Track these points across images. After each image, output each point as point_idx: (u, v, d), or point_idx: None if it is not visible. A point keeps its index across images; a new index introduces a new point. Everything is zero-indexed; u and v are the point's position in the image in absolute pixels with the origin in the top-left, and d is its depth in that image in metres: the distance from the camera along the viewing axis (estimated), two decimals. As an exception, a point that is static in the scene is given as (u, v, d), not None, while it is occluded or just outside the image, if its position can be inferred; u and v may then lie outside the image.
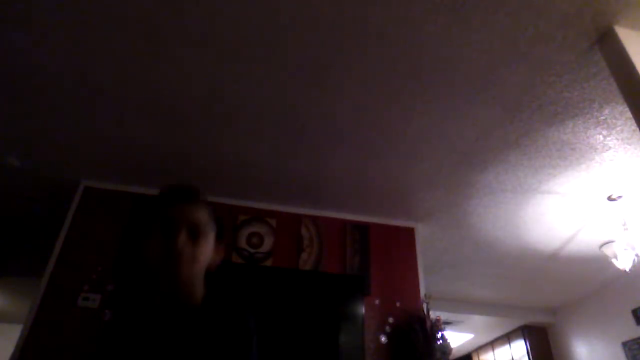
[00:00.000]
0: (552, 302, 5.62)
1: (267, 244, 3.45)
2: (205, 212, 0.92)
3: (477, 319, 6.08)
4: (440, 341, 3.08)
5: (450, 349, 3.12)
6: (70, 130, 2.89)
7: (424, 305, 3.33)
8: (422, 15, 1.97)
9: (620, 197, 3.25)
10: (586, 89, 2.34)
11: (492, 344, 6.83)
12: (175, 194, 0.92)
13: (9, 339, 3.32)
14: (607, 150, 2.79)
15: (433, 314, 3.26)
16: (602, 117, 2.53)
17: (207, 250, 0.89)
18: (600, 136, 2.67)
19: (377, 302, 3.38)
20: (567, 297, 5.38)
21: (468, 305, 5.68)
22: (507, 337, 6.35)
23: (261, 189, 3.47)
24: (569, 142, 2.74)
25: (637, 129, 2.02)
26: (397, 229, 3.80)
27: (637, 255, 3.34)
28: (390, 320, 3.32)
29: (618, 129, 2.61)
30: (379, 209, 3.67)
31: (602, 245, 3.80)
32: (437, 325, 3.14)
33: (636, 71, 1.85)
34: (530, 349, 5.73)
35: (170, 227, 0.85)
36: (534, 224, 3.73)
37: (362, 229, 3.71)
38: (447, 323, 3.35)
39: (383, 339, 3.23)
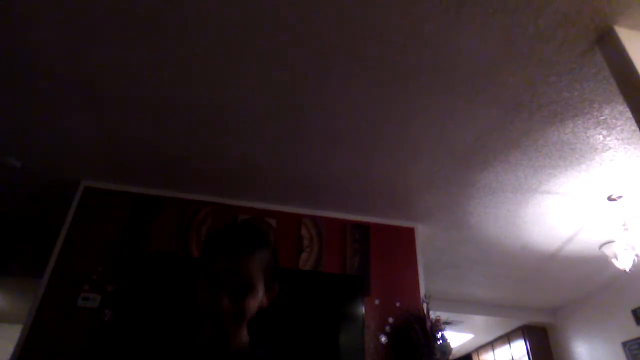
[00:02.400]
0: (552, 302, 5.62)
1: (267, 244, 3.45)
2: (255, 263, 0.86)
3: (477, 319, 6.08)
4: (440, 341, 3.08)
5: (450, 349, 3.12)
6: (70, 130, 2.89)
7: (424, 305, 3.33)
8: (422, 15, 1.97)
9: (620, 197, 3.25)
10: (586, 89, 2.34)
11: (492, 344, 6.83)
12: (227, 242, 0.87)
13: (9, 339, 3.32)
14: (607, 150, 2.79)
15: (433, 314, 3.26)
16: (602, 117, 2.53)
17: (253, 304, 0.86)
18: (600, 136, 2.67)
19: (377, 302, 3.38)
20: (567, 297, 5.38)
21: (468, 305, 5.68)
22: (507, 337, 6.35)
23: (261, 189, 3.47)
24: (569, 142, 2.74)
25: (637, 129, 2.02)
26: (397, 229, 3.80)
27: (637, 255, 3.33)
28: (390, 320, 3.32)
29: (618, 129, 2.61)
30: (379, 209, 3.67)
31: (602, 245, 3.80)
32: (437, 325, 3.14)
33: (636, 71, 1.85)
34: (530, 349, 5.74)
35: (216, 285, 0.83)
36: (534, 224, 3.73)
37: (362, 229, 3.71)
38: (447, 323, 3.34)
39: (383, 339, 3.23)
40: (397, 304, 3.40)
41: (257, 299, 0.87)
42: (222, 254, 0.85)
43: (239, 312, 0.84)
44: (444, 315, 3.60)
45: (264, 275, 0.88)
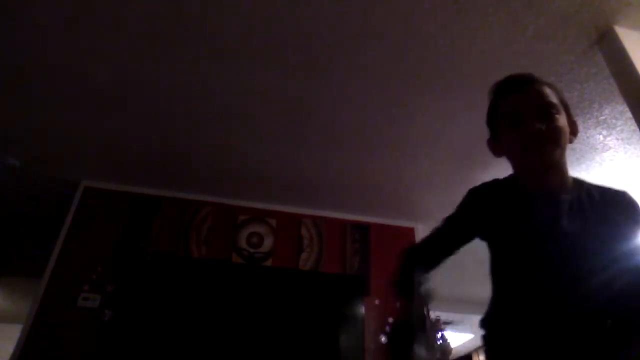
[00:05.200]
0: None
1: (267, 244, 3.45)
2: (551, 92, 0.92)
3: (477, 319, 6.07)
4: (440, 341, 3.08)
5: (450, 349, 3.12)
6: (70, 130, 2.89)
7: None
8: (422, 15, 1.97)
9: (620, 197, 3.25)
10: (586, 89, 2.34)
11: (492, 344, 6.82)
12: (512, 82, 0.94)
13: (9, 339, 3.32)
14: (607, 150, 2.79)
15: (433, 314, 3.26)
16: (602, 117, 2.53)
17: (563, 123, 0.89)
18: (600, 136, 2.67)
19: (377, 302, 3.38)
20: (567, 297, 5.37)
21: (468, 305, 5.67)
22: (507, 337, 6.34)
23: (261, 189, 3.47)
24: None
25: (637, 129, 2.02)
26: (397, 229, 3.80)
27: (637, 255, 3.33)
28: (390, 320, 3.32)
29: (618, 129, 2.60)
30: (379, 209, 3.67)
31: (602, 245, 3.80)
32: (437, 325, 3.14)
33: (636, 71, 1.85)
34: (530, 349, 5.73)
35: (519, 117, 0.88)
36: (534, 224, 3.72)
37: (362, 229, 3.71)
38: (447, 323, 3.35)
39: (383, 339, 3.23)
40: (397, 304, 3.39)
41: (564, 123, 0.89)
42: (505, 94, 0.94)
43: (553, 131, 0.86)
44: (444, 315, 3.61)
45: (562, 105, 0.92)
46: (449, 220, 1.16)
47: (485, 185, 1.02)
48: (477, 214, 1.02)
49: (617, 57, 1.96)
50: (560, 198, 0.89)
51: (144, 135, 2.92)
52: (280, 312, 3.04)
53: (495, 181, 1.02)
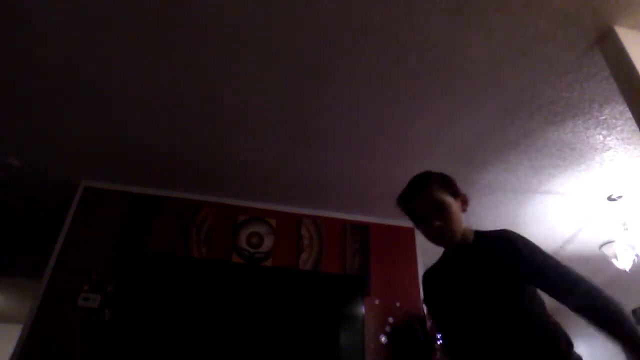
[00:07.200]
0: (552, 302, 5.61)
1: (267, 244, 3.45)
2: (438, 188, 1.20)
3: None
4: (440, 341, 3.08)
5: (450, 349, 3.12)
6: (70, 130, 2.89)
7: (424, 305, 3.33)
8: (422, 15, 1.97)
9: (620, 197, 3.25)
10: (586, 89, 2.34)
11: (492, 344, 6.82)
12: (409, 190, 1.25)
13: (9, 339, 3.33)
14: (607, 150, 2.79)
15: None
16: (602, 117, 2.53)
17: (455, 211, 1.18)
18: (600, 136, 2.67)
19: (377, 302, 3.38)
20: (567, 297, 5.38)
21: (468, 305, 5.67)
22: (507, 337, 6.34)
23: (261, 189, 3.47)
24: (569, 142, 2.74)
25: (637, 129, 2.02)
26: (397, 229, 3.80)
27: (637, 255, 3.33)
28: (390, 320, 3.32)
29: (618, 129, 2.60)
30: (379, 209, 3.67)
31: (602, 245, 3.81)
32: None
33: (636, 71, 1.85)
34: (530, 349, 5.72)
35: (421, 218, 1.20)
36: (534, 224, 3.73)
37: (362, 229, 3.71)
38: (447, 323, 3.33)
39: (383, 339, 3.23)
40: (397, 304, 3.40)
41: (456, 208, 1.19)
42: (408, 203, 1.24)
43: (448, 227, 1.17)
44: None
45: (450, 192, 1.20)
46: (429, 314, 1.37)
47: (430, 267, 1.37)
48: (432, 297, 1.34)
49: (617, 57, 1.96)
50: (465, 262, 1.21)
51: (144, 135, 2.92)
52: (280, 312, 3.04)
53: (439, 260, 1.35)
